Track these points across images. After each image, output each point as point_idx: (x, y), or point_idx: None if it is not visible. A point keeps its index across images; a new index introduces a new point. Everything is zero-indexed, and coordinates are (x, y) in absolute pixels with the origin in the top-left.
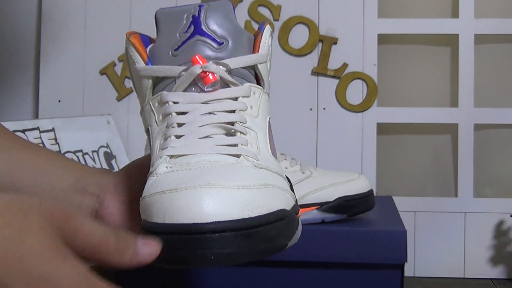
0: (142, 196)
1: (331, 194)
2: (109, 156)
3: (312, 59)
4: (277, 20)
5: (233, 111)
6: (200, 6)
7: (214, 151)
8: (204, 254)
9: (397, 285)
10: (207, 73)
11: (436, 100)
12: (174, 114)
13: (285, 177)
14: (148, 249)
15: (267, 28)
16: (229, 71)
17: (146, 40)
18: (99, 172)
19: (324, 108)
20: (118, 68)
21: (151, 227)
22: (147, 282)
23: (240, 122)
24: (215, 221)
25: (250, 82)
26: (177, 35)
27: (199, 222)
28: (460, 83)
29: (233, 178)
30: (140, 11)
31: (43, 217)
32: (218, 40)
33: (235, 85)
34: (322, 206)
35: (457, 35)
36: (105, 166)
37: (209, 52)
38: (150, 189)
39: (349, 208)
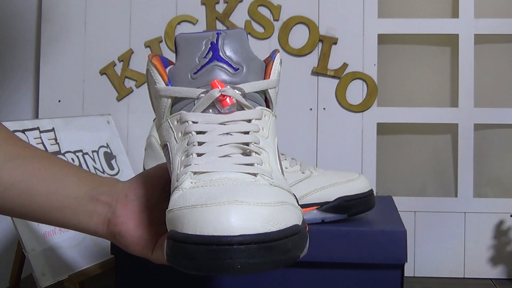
0: (170, 208)
1: (331, 194)
2: (109, 156)
3: (312, 59)
4: (277, 20)
5: (247, 132)
6: (218, 33)
7: (234, 170)
8: (232, 263)
9: (397, 285)
10: (225, 96)
11: (436, 100)
12: (194, 133)
13: (292, 193)
14: None
15: (278, 56)
16: (244, 95)
17: (165, 62)
18: (110, 181)
19: (324, 108)
20: (118, 68)
21: (182, 237)
22: (147, 282)
23: (254, 143)
24: (242, 234)
25: (261, 105)
26: (196, 59)
27: (228, 234)
28: (460, 83)
29: (255, 196)
30: (140, 11)
31: None
32: (234, 66)
33: (249, 108)
34: (322, 206)
35: (457, 35)
36: (105, 166)
37: (226, 77)
38: (178, 202)
39: (349, 208)
